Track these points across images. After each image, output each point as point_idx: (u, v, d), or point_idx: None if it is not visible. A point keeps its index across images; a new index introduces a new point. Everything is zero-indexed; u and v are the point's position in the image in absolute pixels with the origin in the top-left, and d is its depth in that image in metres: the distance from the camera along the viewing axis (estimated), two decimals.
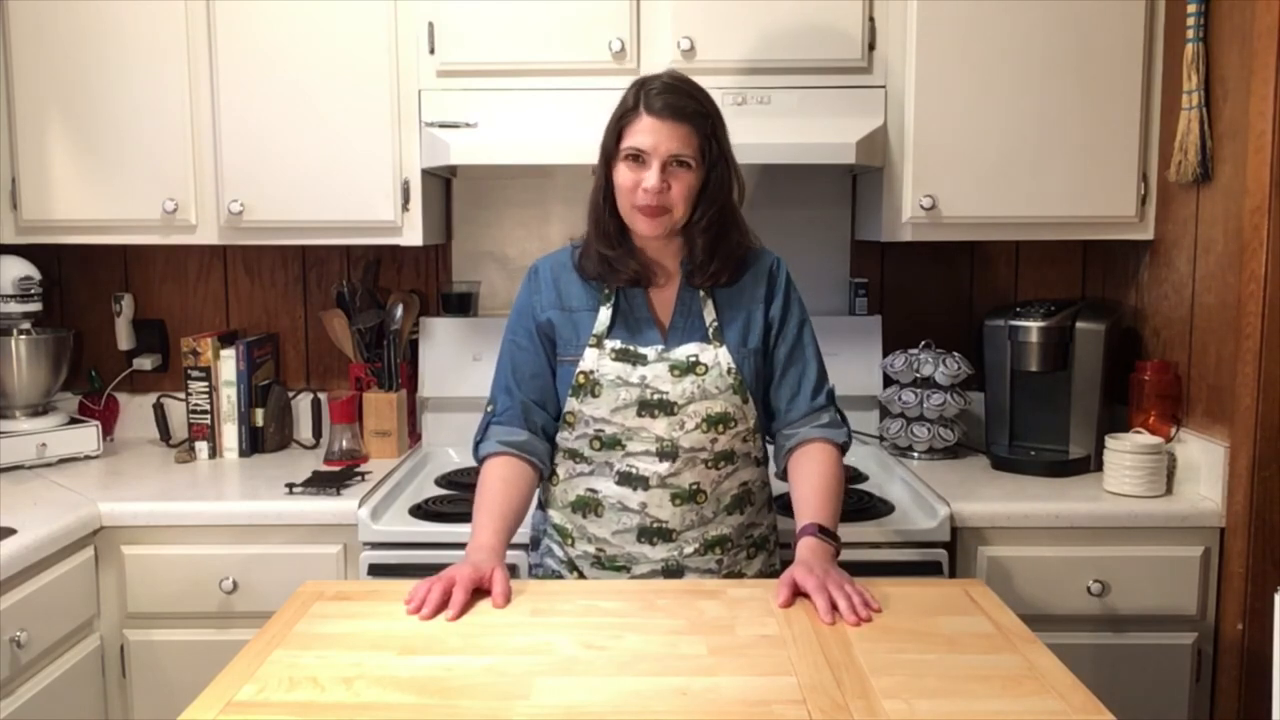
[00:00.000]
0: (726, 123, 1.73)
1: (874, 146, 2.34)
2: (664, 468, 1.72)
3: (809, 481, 1.74)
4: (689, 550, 1.75)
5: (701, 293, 1.77)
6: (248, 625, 2.02)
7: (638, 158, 1.67)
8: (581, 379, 1.74)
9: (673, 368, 1.73)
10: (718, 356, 1.74)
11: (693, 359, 1.74)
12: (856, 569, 2.03)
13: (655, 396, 1.72)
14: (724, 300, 1.78)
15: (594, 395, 1.74)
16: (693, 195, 1.70)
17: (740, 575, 1.80)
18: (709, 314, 1.76)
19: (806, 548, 1.63)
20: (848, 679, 1.29)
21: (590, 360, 1.74)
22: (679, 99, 1.67)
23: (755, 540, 1.83)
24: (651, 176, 1.65)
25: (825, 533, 1.66)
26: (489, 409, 1.82)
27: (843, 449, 1.80)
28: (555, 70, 2.32)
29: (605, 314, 1.77)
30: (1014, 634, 1.43)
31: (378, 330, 2.67)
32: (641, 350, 1.74)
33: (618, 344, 1.75)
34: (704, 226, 1.71)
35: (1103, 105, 2.34)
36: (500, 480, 1.74)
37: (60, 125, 2.41)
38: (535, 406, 1.79)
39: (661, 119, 1.65)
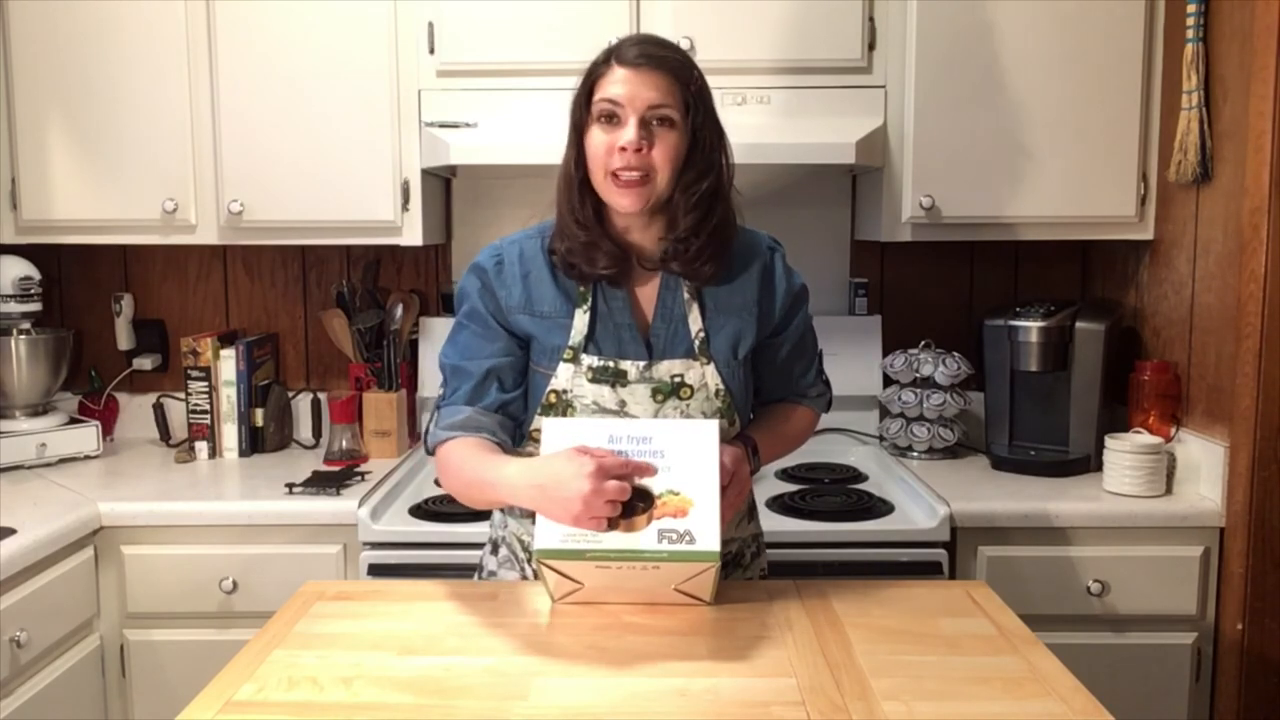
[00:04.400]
0: (724, 121, 1.56)
1: (874, 146, 2.34)
2: None
3: (770, 419, 1.71)
4: None
5: (686, 294, 1.58)
6: (248, 625, 2.03)
7: (611, 117, 1.48)
8: (553, 398, 1.56)
9: (655, 391, 1.56)
10: (704, 376, 1.57)
11: (677, 379, 1.56)
12: (857, 569, 2.05)
13: None
14: (712, 302, 1.59)
15: (565, 417, 1.56)
16: (678, 160, 1.50)
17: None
18: (694, 321, 1.58)
19: (733, 450, 1.51)
20: (847, 680, 1.29)
21: (564, 378, 1.56)
22: (656, 50, 1.50)
23: (736, 553, 1.70)
24: (629, 132, 1.46)
25: (752, 450, 1.60)
26: (439, 395, 1.63)
27: (821, 412, 1.76)
28: (555, 70, 2.30)
29: (582, 320, 1.56)
30: (1015, 636, 1.43)
31: (378, 330, 2.67)
32: (622, 365, 1.56)
33: (596, 360, 1.55)
34: (691, 203, 1.51)
35: (1102, 105, 2.34)
36: (467, 450, 1.52)
37: (60, 125, 2.41)
38: (490, 380, 1.58)
39: (637, 68, 1.47)
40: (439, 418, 1.60)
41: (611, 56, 1.50)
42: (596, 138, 1.50)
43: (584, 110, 1.51)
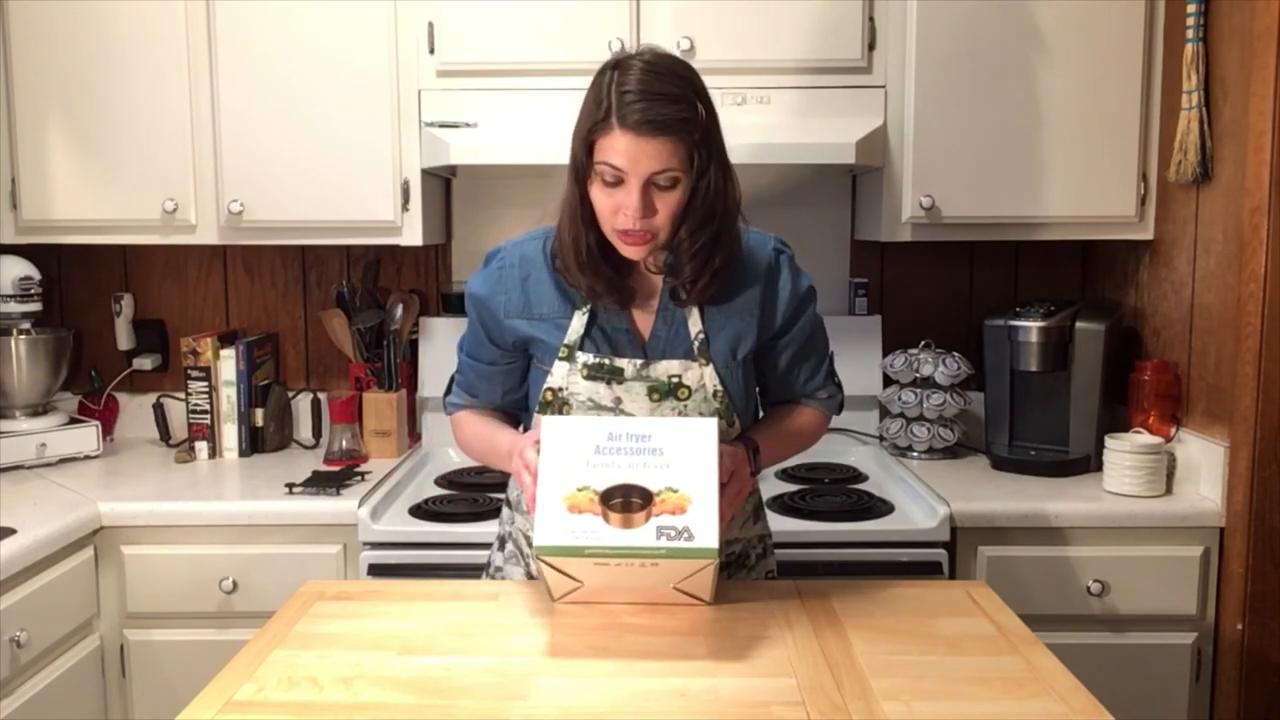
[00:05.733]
0: (724, 121, 1.52)
1: (874, 146, 2.34)
2: None
3: (774, 420, 1.70)
4: None
5: None
6: (248, 625, 2.03)
7: (615, 179, 1.45)
8: (549, 395, 1.58)
9: (651, 390, 1.56)
10: (703, 377, 1.57)
11: (675, 379, 1.56)
12: (857, 569, 2.05)
13: None
14: (713, 305, 1.58)
15: (562, 415, 1.57)
16: (680, 212, 1.48)
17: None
18: (694, 324, 1.58)
19: (733, 450, 1.53)
20: (847, 680, 1.29)
21: (560, 376, 1.57)
22: (659, 107, 1.42)
23: (740, 553, 1.70)
24: (631, 202, 1.44)
25: (753, 452, 1.59)
26: (457, 373, 1.74)
27: (831, 414, 1.75)
28: (555, 70, 2.32)
29: (579, 321, 1.57)
30: (1015, 636, 1.43)
31: (378, 330, 2.67)
32: (618, 363, 1.56)
33: (591, 357, 1.56)
34: (694, 250, 1.50)
35: (1102, 105, 2.34)
36: (485, 419, 1.69)
37: (60, 125, 2.41)
38: (481, 380, 1.69)
39: (639, 134, 1.41)
40: (455, 390, 1.74)
41: (613, 112, 1.42)
42: (600, 196, 1.48)
43: (585, 161, 1.48)
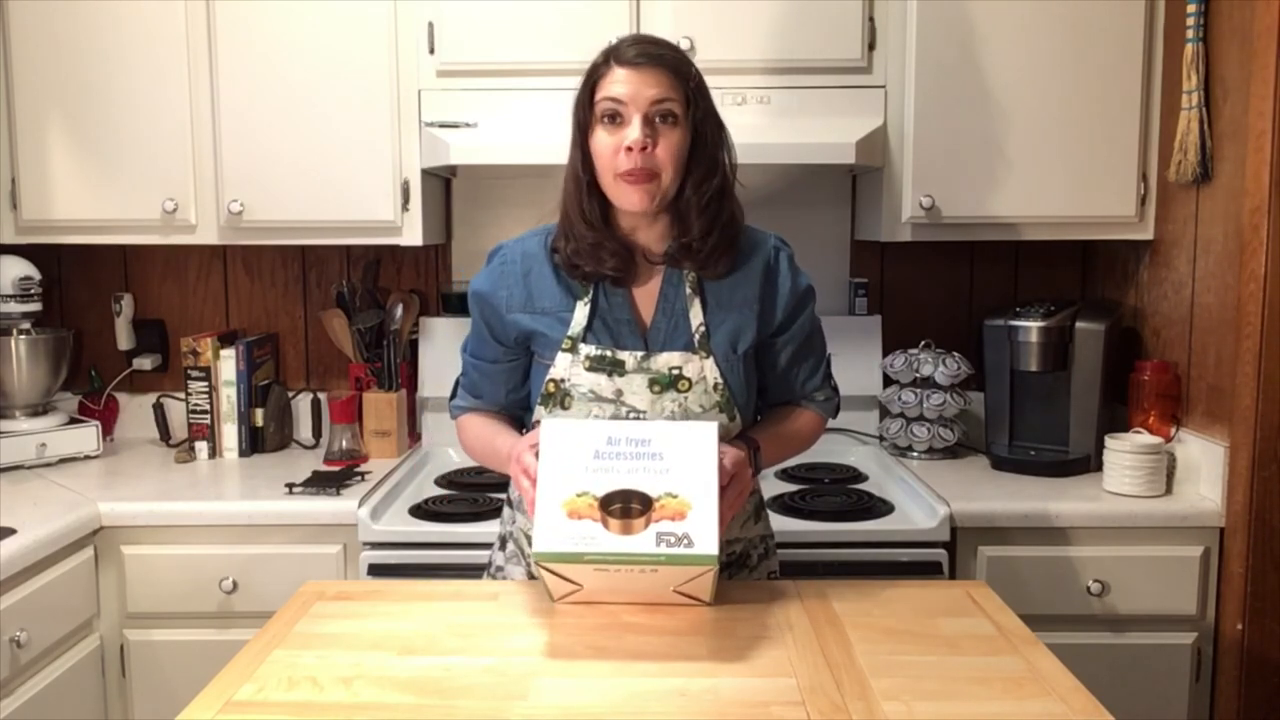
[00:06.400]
0: (727, 122, 1.59)
1: (874, 146, 2.34)
2: None
3: (773, 421, 1.70)
4: None
5: (688, 289, 1.59)
6: (248, 625, 2.03)
7: (615, 116, 1.50)
8: (551, 387, 1.58)
9: (652, 382, 1.56)
10: (703, 370, 1.57)
11: (675, 371, 1.57)
12: (857, 569, 2.05)
13: (631, 416, 1.56)
14: (713, 298, 1.60)
15: (564, 407, 1.58)
16: (682, 156, 1.52)
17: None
18: (695, 316, 1.59)
19: (733, 451, 1.52)
20: (847, 680, 1.29)
21: (562, 367, 1.58)
22: (655, 49, 1.54)
23: (741, 554, 1.70)
24: (634, 130, 1.48)
25: (754, 451, 1.59)
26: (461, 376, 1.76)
27: (828, 416, 1.75)
28: (555, 70, 2.31)
29: (582, 313, 1.59)
30: (1015, 636, 1.43)
31: (378, 330, 2.67)
32: (620, 356, 1.57)
33: (593, 350, 1.57)
34: (703, 203, 1.54)
35: (1102, 105, 2.34)
36: (487, 422, 1.70)
37: (60, 125, 2.41)
38: (485, 380, 1.70)
39: (637, 67, 1.50)
40: (460, 393, 1.75)
41: (610, 57, 1.53)
42: (602, 139, 1.52)
43: (587, 111, 1.54)
